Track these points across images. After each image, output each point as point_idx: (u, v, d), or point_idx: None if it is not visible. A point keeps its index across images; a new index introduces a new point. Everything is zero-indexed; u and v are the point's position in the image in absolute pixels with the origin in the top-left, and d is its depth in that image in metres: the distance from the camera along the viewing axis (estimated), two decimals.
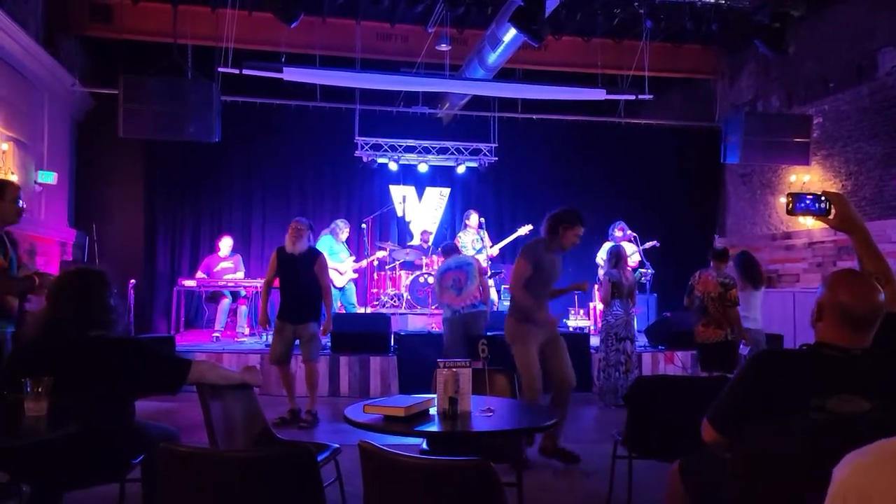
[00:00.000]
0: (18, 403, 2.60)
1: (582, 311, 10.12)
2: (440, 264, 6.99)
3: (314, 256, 6.08)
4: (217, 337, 8.90)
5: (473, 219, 9.66)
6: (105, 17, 9.39)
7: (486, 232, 9.81)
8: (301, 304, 6.04)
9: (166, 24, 8.76)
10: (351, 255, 9.72)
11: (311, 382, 6.14)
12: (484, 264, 9.13)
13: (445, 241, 8.10)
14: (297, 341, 6.10)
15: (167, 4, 8.86)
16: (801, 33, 9.46)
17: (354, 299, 9.71)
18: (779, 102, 10.48)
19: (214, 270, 9.27)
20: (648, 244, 9.72)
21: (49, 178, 8.44)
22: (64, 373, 2.70)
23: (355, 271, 9.72)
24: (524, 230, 9.90)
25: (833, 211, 2.42)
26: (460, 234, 9.73)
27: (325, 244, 9.39)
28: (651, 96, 9.49)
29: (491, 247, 9.78)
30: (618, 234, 9.27)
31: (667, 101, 11.15)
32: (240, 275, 9.34)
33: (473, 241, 9.48)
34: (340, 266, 9.46)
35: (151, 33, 9.28)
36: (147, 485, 2.99)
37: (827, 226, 2.51)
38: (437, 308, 9.66)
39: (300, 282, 6.02)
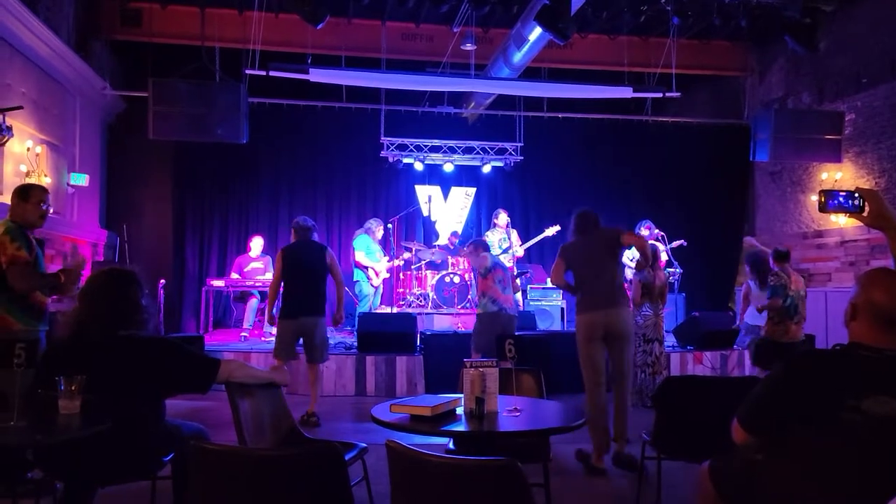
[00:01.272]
0: (52, 401, 2.65)
1: None
2: (483, 258, 6.77)
3: None
4: (245, 336, 8.98)
5: (502, 218, 9.63)
6: (135, 21, 9.54)
7: (515, 231, 9.76)
8: None
9: (194, 27, 8.88)
10: (385, 254, 9.78)
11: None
12: (509, 264, 9.10)
13: (477, 238, 7.96)
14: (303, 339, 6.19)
15: (195, 8, 8.98)
16: (833, 28, 9.29)
17: (378, 301, 9.77)
18: (810, 99, 10.31)
19: (245, 270, 9.36)
20: (676, 243, 9.62)
21: (81, 179, 8.58)
22: (96, 371, 2.74)
23: (388, 271, 9.78)
24: (551, 231, 9.84)
25: (867, 208, 2.37)
26: (488, 232, 9.70)
27: (362, 243, 9.47)
28: (678, 94, 9.38)
29: (520, 245, 9.74)
30: (644, 232, 9.18)
31: (695, 99, 11.03)
32: (269, 275, 9.42)
33: (500, 241, 9.45)
34: (377, 266, 9.54)
35: (180, 36, 9.40)
36: (177, 482, 3.03)
37: (860, 224, 2.45)
38: (462, 308, 9.65)
39: None
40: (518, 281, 8.99)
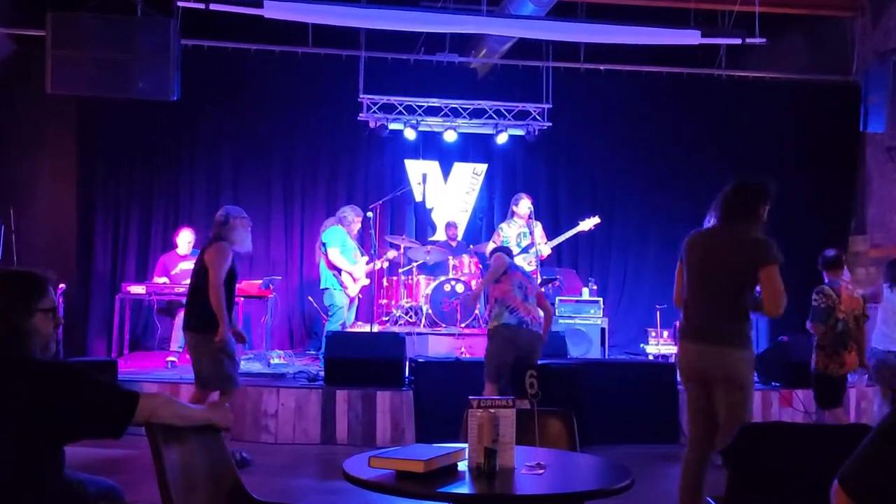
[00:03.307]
0: None
1: (667, 333, 10.04)
2: (499, 258, 6.87)
3: None
4: (173, 362, 8.98)
5: (524, 206, 9.60)
6: None
7: (538, 224, 9.74)
8: None
9: None
10: (364, 254, 9.75)
11: None
12: (531, 268, 9.10)
13: (502, 246, 8.10)
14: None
15: None
16: None
17: (353, 317, 9.79)
18: None
19: (173, 273, 9.36)
20: None
21: None
22: None
23: (367, 276, 9.75)
24: (589, 224, 9.82)
25: None
26: (503, 225, 9.67)
27: (337, 238, 9.42)
28: (763, 40, 9.39)
29: (545, 243, 9.73)
30: None
31: (785, 48, 11.01)
32: None
33: (519, 237, 9.43)
34: (355, 270, 9.50)
35: None
36: None
37: None
38: (467, 327, 9.65)
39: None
40: (541, 289, 8.99)
